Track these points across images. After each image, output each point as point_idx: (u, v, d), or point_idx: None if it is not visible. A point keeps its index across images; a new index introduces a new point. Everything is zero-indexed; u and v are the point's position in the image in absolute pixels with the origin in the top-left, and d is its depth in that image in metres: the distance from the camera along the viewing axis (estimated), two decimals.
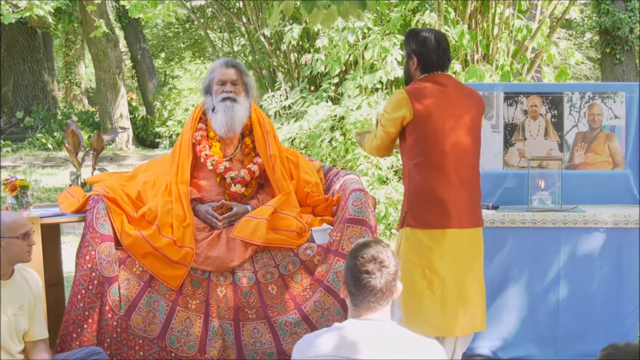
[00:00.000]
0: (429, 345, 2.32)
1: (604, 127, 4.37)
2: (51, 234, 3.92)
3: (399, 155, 3.82)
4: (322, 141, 7.37)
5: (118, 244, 3.68)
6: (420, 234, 3.26)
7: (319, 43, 7.59)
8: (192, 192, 3.94)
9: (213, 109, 3.95)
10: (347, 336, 2.29)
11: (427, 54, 3.36)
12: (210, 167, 3.95)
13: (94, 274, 3.57)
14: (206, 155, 3.95)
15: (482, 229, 3.44)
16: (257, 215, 3.76)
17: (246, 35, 9.10)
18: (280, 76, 8.62)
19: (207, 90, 4.03)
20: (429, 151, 3.27)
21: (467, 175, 3.37)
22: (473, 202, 3.39)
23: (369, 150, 3.61)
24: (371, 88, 7.49)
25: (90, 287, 3.57)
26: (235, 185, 3.93)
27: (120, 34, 19.30)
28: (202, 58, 23.16)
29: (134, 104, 19.87)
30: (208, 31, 11.05)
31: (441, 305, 3.31)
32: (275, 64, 8.68)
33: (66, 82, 22.44)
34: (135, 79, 20.56)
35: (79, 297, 3.58)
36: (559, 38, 12.69)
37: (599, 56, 17.66)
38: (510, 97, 4.37)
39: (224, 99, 3.92)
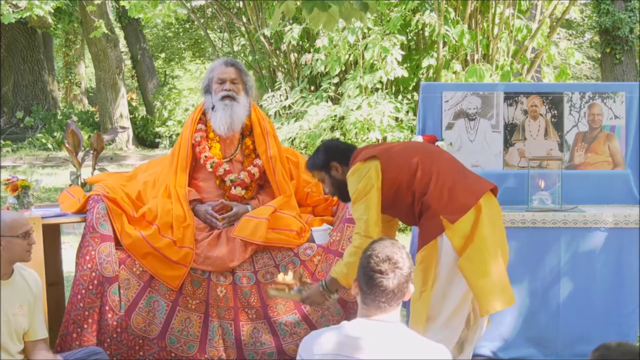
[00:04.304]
0: (435, 349, 2.30)
1: (604, 127, 4.37)
2: (51, 234, 3.92)
3: None
4: (322, 141, 7.37)
5: (118, 244, 3.68)
6: (463, 221, 3.18)
7: (319, 43, 7.59)
8: (192, 193, 3.93)
9: (213, 108, 3.95)
10: (352, 335, 2.29)
11: (339, 151, 3.44)
12: (210, 170, 3.94)
13: (94, 274, 3.57)
14: (206, 157, 3.94)
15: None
16: (257, 215, 3.76)
17: (246, 35, 9.10)
18: (280, 76, 8.62)
19: (207, 90, 4.02)
20: (419, 158, 3.28)
21: (452, 157, 3.41)
22: (473, 174, 3.40)
23: (367, 242, 2.93)
24: (371, 88, 7.49)
25: (90, 287, 3.57)
26: (235, 188, 3.92)
27: (120, 34, 19.30)
28: (202, 58, 23.16)
29: (134, 104, 19.86)
30: (208, 31, 11.05)
31: (503, 271, 3.24)
32: (275, 64, 8.68)
33: (66, 82, 22.45)
34: (135, 79, 20.56)
35: (79, 297, 3.58)
36: (559, 38, 12.69)
37: (599, 56, 17.66)
38: (510, 97, 4.37)
39: (223, 98, 3.91)
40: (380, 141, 7.09)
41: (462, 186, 3.23)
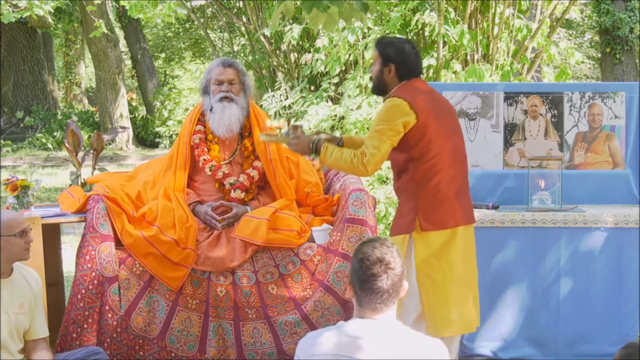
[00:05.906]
0: (432, 345, 2.31)
1: (604, 127, 4.37)
2: (51, 234, 3.92)
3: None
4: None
5: (118, 244, 3.68)
6: (434, 235, 3.24)
7: (319, 43, 7.59)
8: (191, 196, 3.93)
9: (211, 109, 3.94)
10: (350, 335, 2.29)
11: (407, 62, 3.36)
12: (209, 173, 3.93)
13: (94, 273, 3.58)
14: (204, 160, 3.93)
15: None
16: (257, 215, 3.75)
17: (246, 35, 9.10)
18: (280, 76, 8.62)
19: (205, 91, 4.01)
20: (440, 152, 3.26)
21: (466, 170, 3.43)
22: (470, 198, 3.43)
23: (360, 168, 3.25)
24: (371, 88, 7.47)
25: (90, 287, 3.57)
26: (234, 191, 3.92)
27: (120, 34, 19.29)
28: (202, 58, 23.16)
29: (134, 103, 19.87)
30: (208, 31, 11.04)
31: (466, 301, 3.33)
32: (275, 63, 8.67)
33: (66, 82, 22.46)
34: (135, 79, 20.57)
35: (79, 297, 3.58)
36: (559, 38, 12.70)
37: (599, 56, 17.66)
38: (510, 97, 4.37)
39: (221, 99, 3.90)
40: None
41: (451, 204, 3.27)
